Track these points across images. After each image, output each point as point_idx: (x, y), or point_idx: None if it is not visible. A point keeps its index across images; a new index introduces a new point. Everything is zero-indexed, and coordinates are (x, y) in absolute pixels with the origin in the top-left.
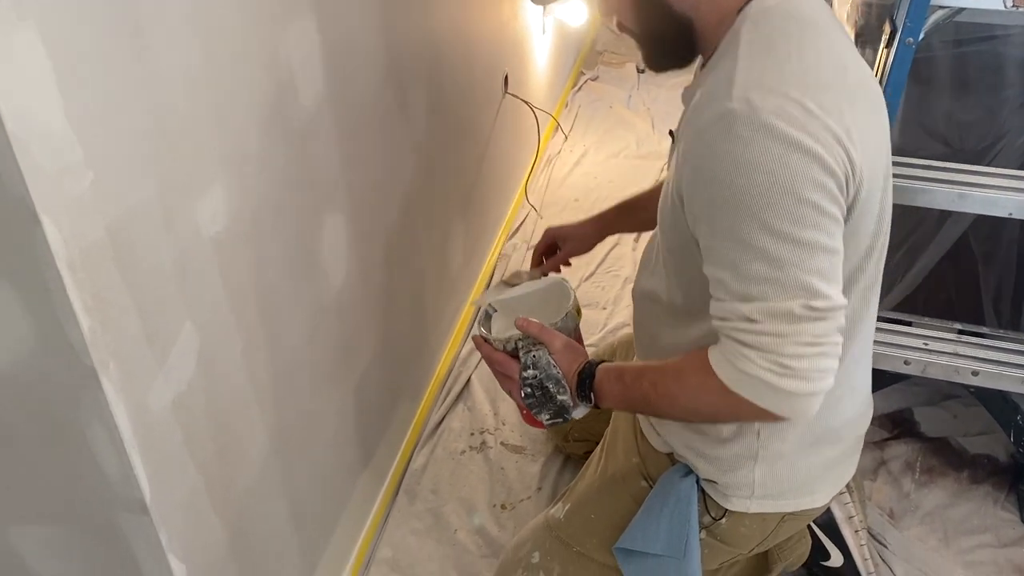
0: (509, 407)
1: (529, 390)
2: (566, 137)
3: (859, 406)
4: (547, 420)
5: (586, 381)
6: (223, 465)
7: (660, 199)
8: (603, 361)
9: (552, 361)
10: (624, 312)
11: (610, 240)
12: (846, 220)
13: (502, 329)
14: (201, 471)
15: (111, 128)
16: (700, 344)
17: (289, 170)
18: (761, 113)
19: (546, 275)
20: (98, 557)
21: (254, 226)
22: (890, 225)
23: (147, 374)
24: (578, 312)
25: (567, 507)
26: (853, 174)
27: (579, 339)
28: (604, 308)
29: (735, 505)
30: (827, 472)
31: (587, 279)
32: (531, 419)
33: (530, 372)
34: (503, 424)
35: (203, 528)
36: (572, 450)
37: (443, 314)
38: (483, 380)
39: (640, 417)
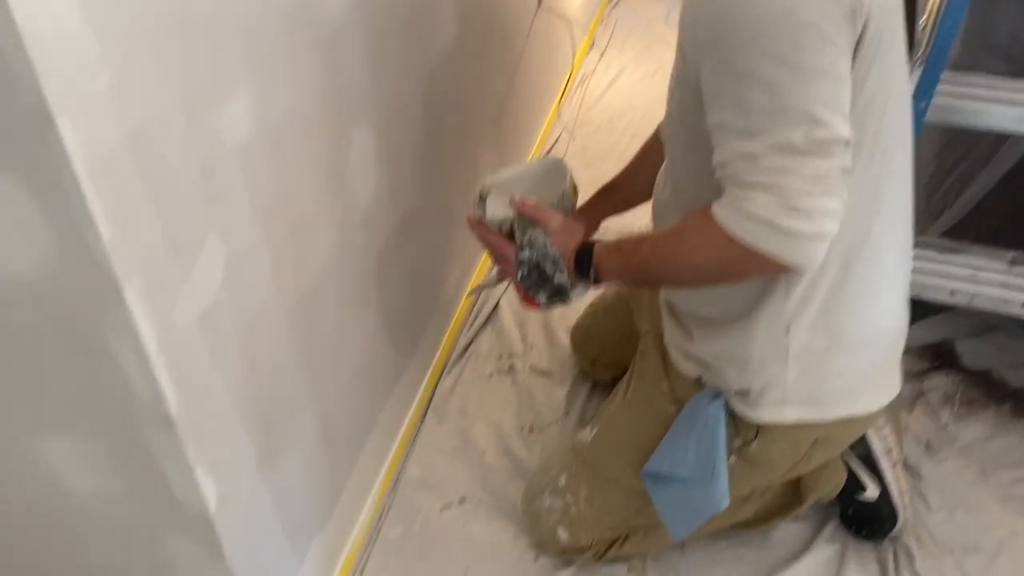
0: (537, 331)
1: (526, 271)
2: (601, 55)
3: (892, 318)
4: (545, 301)
5: (584, 259)
6: (251, 381)
7: (667, 103)
8: (602, 240)
9: (549, 241)
10: None
11: None
12: (853, 60)
13: (497, 210)
14: (229, 387)
15: (130, 26)
16: None
17: (316, 79)
18: None
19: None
20: (128, 472)
21: (280, 137)
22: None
23: (172, 286)
24: (574, 192)
25: (594, 431)
26: (861, 5)
27: (576, 218)
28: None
29: (767, 415)
30: (861, 384)
31: None
32: (529, 300)
33: (526, 253)
34: (531, 348)
35: (231, 444)
36: (599, 376)
37: (472, 235)
38: (511, 304)
39: (669, 342)
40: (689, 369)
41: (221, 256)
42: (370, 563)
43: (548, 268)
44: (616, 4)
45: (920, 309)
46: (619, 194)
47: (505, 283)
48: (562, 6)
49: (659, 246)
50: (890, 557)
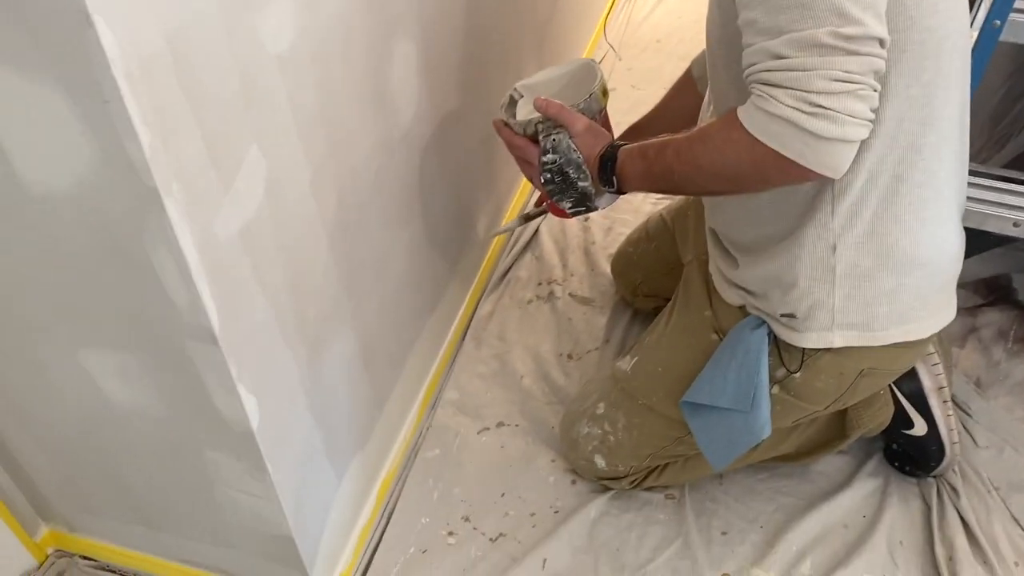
0: (577, 259)
1: (549, 175)
2: None
3: (946, 238)
4: (569, 208)
5: (608, 164)
6: (293, 297)
7: (706, 34)
8: (626, 143)
9: (572, 145)
10: None
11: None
12: None
13: (522, 112)
14: (271, 302)
15: None
16: None
17: None
18: None
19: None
20: (170, 385)
21: (322, 47)
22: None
23: (213, 198)
24: (604, 94)
25: (634, 360)
26: None
27: (605, 122)
28: None
29: (813, 341)
30: (910, 309)
31: None
32: (555, 209)
33: (549, 156)
34: (571, 276)
35: (273, 360)
36: (641, 305)
37: (512, 159)
38: (552, 231)
39: (713, 270)
40: (733, 297)
41: (262, 168)
42: (408, 483)
43: (572, 173)
44: None
45: (976, 242)
46: (646, 135)
47: (537, 220)
48: None
49: (683, 149)
50: (934, 493)
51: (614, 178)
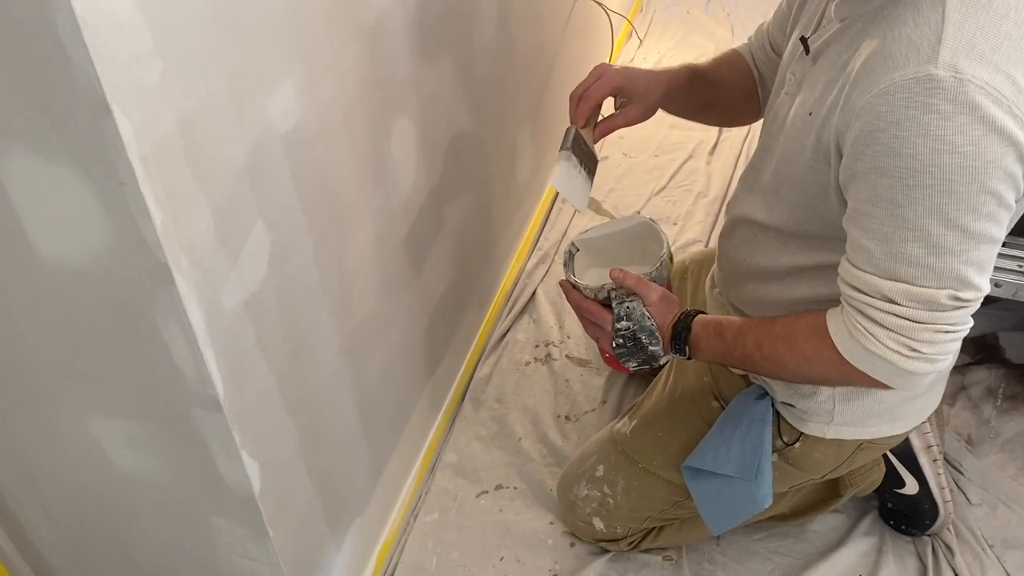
0: (574, 321)
1: (621, 341)
2: (640, 42)
3: None
4: (634, 367)
5: (681, 335)
6: (295, 365)
7: (787, 124)
8: (698, 312)
9: (647, 313)
10: (696, 228)
11: (683, 153)
12: (1016, 202)
13: (584, 268)
14: (273, 370)
15: (179, 17)
16: (800, 271)
17: (359, 69)
18: (968, 87)
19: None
20: (175, 452)
21: (325, 125)
22: None
23: (220, 272)
24: (671, 260)
25: (634, 423)
26: None
27: (669, 286)
28: (675, 224)
29: (811, 430)
30: (911, 403)
31: (658, 193)
32: (614, 362)
33: (624, 324)
34: (568, 337)
35: (275, 427)
36: None
37: (510, 225)
38: (548, 293)
39: None
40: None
41: (267, 242)
42: (407, 547)
43: (644, 339)
44: None
45: None
46: (712, 91)
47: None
48: None
49: (765, 344)
50: (929, 551)
51: (686, 347)
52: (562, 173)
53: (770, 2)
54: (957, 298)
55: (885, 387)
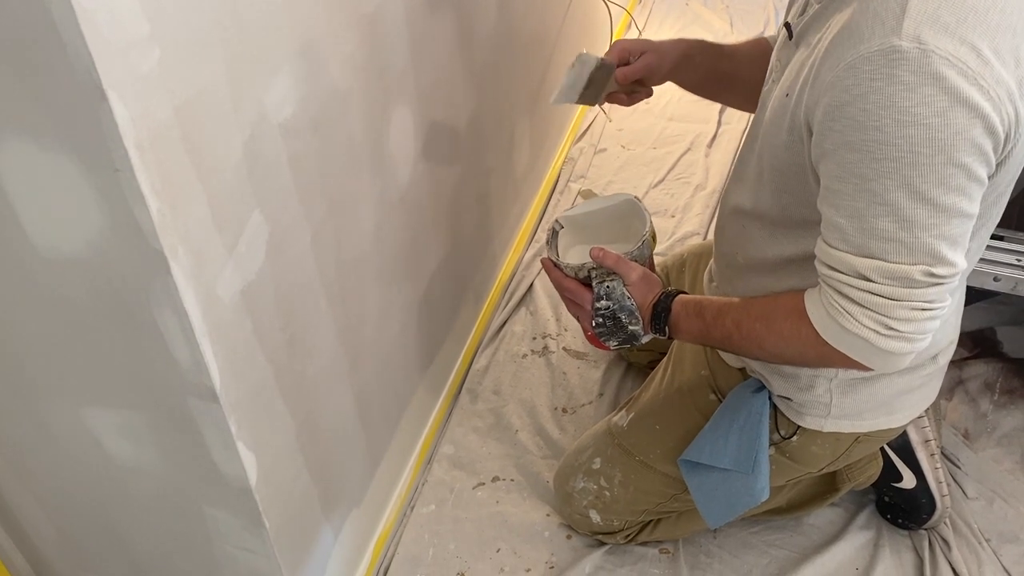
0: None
1: (600, 320)
2: (640, 33)
3: (950, 333)
4: (614, 345)
5: (661, 314)
6: (292, 356)
7: (768, 108)
8: (679, 292)
9: (627, 292)
10: (694, 221)
11: (681, 145)
12: (990, 179)
13: (568, 246)
14: (270, 361)
15: (177, 4)
16: (789, 263)
17: (357, 57)
18: (932, 57)
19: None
20: (170, 443)
21: (322, 114)
22: None
23: (216, 261)
24: (653, 238)
25: (631, 416)
26: (1014, 132)
27: (651, 263)
28: (673, 216)
29: (809, 423)
30: (908, 396)
31: (656, 185)
32: (596, 341)
33: (603, 303)
34: (565, 330)
35: (272, 418)
36: (635, 359)
37: (508, 217)
38: (546, 286)
39: None
40: (733, 359)
41: (264, 232)
42: (403, 539)
43: (624, 318)
44: None
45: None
46: (721, 63)
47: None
48: None
49: (744, 324)
50: (926, 545)
51: (666, 327)
52: (570, 78)
53: None
54: (931, 274)
55: (864, 368)
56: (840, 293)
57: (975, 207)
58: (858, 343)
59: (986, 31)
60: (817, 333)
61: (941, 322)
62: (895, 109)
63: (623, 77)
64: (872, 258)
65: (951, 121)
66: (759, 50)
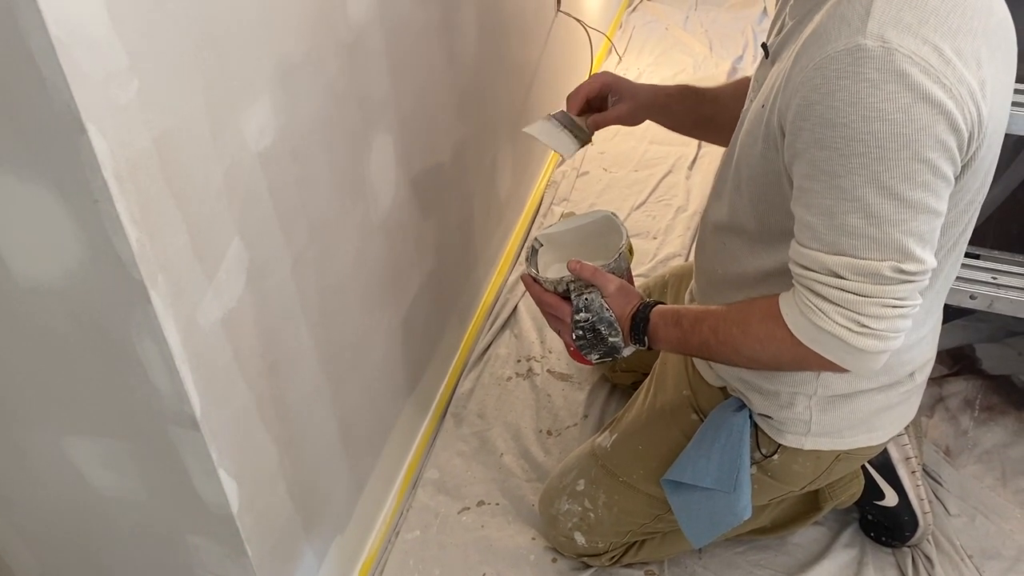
0: (555, 336)
1: (580, 332)
2: (620, 59)
3: (927, 351)
4: (596, 359)
5: (640, 325)
6: (273, 383)
7: (746, 121)
8: (657, 303)
9: (605, 304)
10: (676, 242)
11: (663, 167)
12: (956, 179)
13: (548, 263)
14: (251, 388)
15: (156, 36)
16: (768, 276)
17: (337, 85)
18: (896, 55)
19: (588, 129)
20: (151, 471)
21: (303, 142)
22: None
23: (196, 289)
24: (630, 251)
25: (614, 437)
26: (977, 132)
27: (630, 278)
28: (655, 238)
29: (789, 441)
30: (887, 413)
31: (638, 208)
32: (578, 356)
33: (582, 315)
34: (549, 352)
35: (253, 445)
36: (619, 380)
37: (491, 240)
38: (530, 308)
39: None
40: (713, 379)
41: (244, 259)
42: (388, 565)
43: (604, 330)
44: (634, 9)
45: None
46: (701, 108)
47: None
48: (580, 10)
49: (721, 330)
50: (909, 563)
51: (645, 337)
52: (541, 125)
53: (747, 19)
54: (901, 270)
55: (839, 369)
56: (813, 291)
57: (942, 205)
58: (832, 341)
59: (947, 32)
60: (792, 334)
61: (913, 322)
62: (861, 105)
63: (595, 125)
64: (843, 255)
65: (915, 117)
66: (743, 89)
